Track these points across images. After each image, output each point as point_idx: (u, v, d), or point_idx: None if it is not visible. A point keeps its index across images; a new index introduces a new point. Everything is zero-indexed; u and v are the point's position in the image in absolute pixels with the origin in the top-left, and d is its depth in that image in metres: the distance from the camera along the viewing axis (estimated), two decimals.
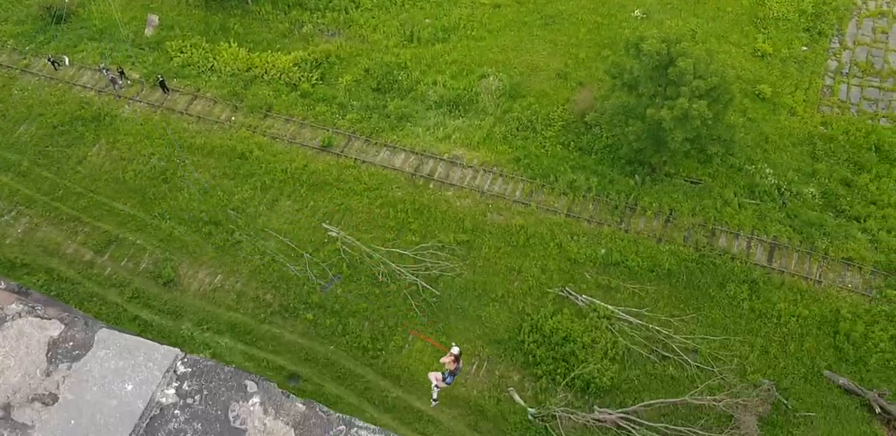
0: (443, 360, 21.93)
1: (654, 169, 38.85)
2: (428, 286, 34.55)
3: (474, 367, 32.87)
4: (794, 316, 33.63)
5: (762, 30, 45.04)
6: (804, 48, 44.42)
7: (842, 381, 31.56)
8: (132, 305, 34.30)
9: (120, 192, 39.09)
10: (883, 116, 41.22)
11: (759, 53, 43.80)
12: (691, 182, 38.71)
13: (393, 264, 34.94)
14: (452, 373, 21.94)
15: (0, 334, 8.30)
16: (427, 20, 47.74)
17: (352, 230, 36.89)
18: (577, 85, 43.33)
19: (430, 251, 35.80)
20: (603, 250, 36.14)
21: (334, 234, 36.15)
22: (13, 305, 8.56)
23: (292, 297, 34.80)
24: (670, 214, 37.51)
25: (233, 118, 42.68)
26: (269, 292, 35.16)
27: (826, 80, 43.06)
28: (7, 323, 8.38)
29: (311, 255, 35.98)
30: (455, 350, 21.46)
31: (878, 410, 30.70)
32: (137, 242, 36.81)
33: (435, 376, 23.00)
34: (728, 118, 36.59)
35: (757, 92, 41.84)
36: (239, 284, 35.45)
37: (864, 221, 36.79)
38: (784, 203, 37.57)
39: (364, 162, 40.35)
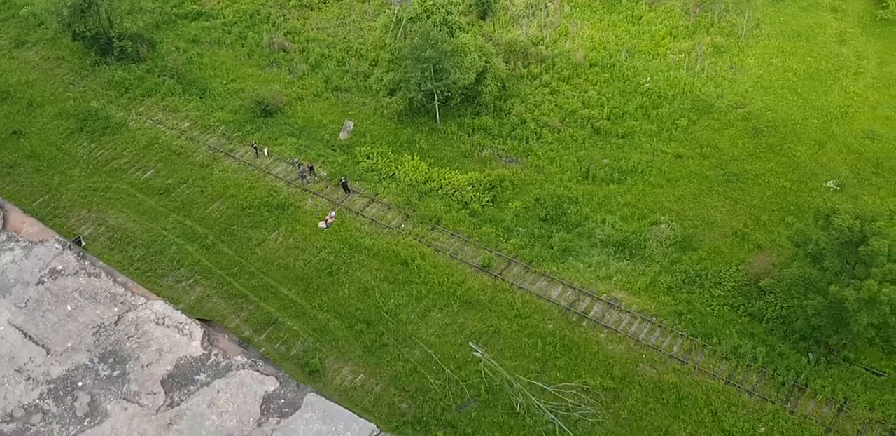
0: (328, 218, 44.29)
1: (830, 350, 36.45)
2: (566, 428, 33.33)
3: None
4: None
5: None
6: None
7: None
8: None
9: (288, 278, 41.48)
10: None
11: None
12: (873, 372, 35.97)
13: (533, 398, 33.97)
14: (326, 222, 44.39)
15: (224, 381, 8.72)
16: (605, 160, 49.04)
17: (496, 354, 36.54)
18: (754, 247, 42.46)
19: (574, 392, 34.75)
20: (763, 429, 33.80)
21: (479, 355, 35.90)
22: (239, 357, 8.97)
23: (427, 410, 34.75)
24: (844, 403, 34.77)
25: (403, 226, 44.38)
26: (406, 401, 35.22)
27: None
28: (232, 372, 8.82)
29: (452, 371, 35.89)
30: (330, 218, 44.99)
31: None
32: (294, 327, 38.43)
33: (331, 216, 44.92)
34: None
35: None
36: (378, 388, 35.80)
37: None
38: None
39: (520, 288, 40.66)
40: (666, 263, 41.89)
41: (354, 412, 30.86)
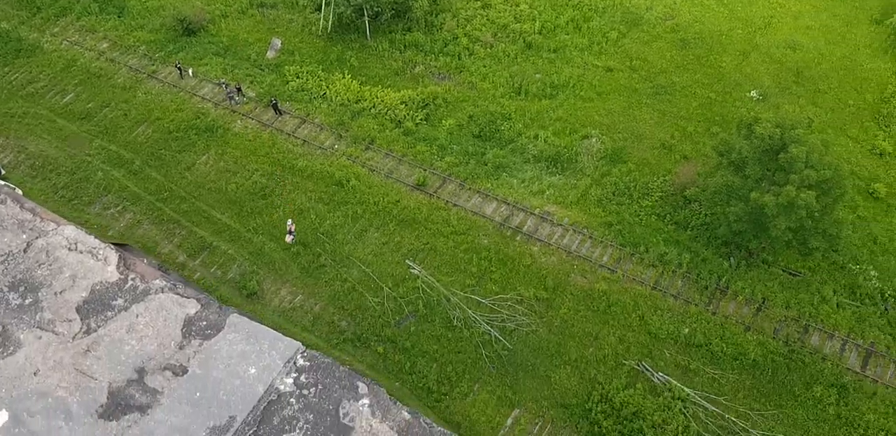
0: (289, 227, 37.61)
1: (751, 254, 37.73)
2: (501, 338, 33.97)
3: (537, 427, 31.93)
4: (883, 430, 31.67)
5: (884, 127, 43.93)
6: None
7: None
8: None
9: (220, 201, 40.33)
10: None
11: (878, 151, 42.63)
12: (789, 273, 37.40)
13: (469, 311, 34.52)
14: (290, 233, 37.62)
15: (143, 305, 8.39)
16: (537, 75, 48.35)
17: (433, 271, 36.77)
18: (680, 158, 42.89)
19: (509, 303, 35.35)
20: (686, 330, 35.01)
21: (416, 272, 36.05)
22: (158, 281, 8.63)
23: (366, 327, 34.82)
24: (763, 303, 36.20)
25: (336, 146, 43.51)
26: (345, 320, 35.26)
27: None
28: (151, 296, 8.47)
29: (390, 289, 36.01)
30: (291, 227, 37.79)
31: None
32: (229, 251, 37.70)
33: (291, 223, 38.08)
34: (836, 213, 35.50)
35: (871, 190, 40.56)
36: (317, 307, 35.69)
37: None
38: (886, 309, 35.83)
39: (455, 205, 40.50)
40: (596, 177, 42.23)
41: (279, 331, 31.11)
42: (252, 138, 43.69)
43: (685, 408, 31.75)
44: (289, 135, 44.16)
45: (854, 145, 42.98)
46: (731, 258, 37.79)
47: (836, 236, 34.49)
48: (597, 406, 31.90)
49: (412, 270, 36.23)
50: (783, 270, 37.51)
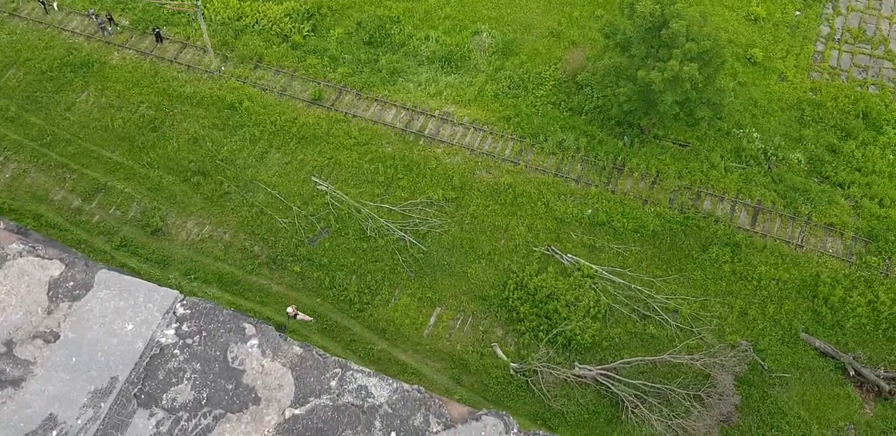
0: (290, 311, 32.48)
1: (642, 131, 38.50)
2: (416, 242, 34.30)
3: (459, 322, 32.94)
4: (774, 279, 33.80)
5: None
6: (797, 13, 43.76)
7: (818, 343, 31.97)
8: (120, 254, 33.87)
9: (108, 139, 38.02)
10: (872, 84, 40.82)
11: (753, 17, 43.04)
12: (679, 145, 38.43)
13: (381, 220, 34.67)
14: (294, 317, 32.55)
15: (1, 273, 8.11)
16: None
17: (340, 184, 36.45)
18: (569, 44, 42.46)
19: (419, 208, 35.52)
20: (589, 211, 36.00)
21: (323, 188, 35.70)
22: (14, 245, 8.34)
23: (280, 249, 34.38)
24: (657, 176, 37.31)
25: (222, 68, 41.65)
26: (258, 244, 34.73)
27: (818, 45, 42.54)
28: (8, 262, 8.18)
29: (299, 208, 35.48)
30: (290, 310, 32.39)
31: (852, 372, 30.83)
32: (125, 190, 35.99)
33: (292, 309, 32.69)
34: (718, 82, 36.06)
35: (748, 56, 41.28)
36: (227, 236, 34.95)
37: (848, 187, 36.70)
38: (770, 168, 37.48)
39: (354, 116, 39.56)
40: (490, 72, 41.48)
41: (191, 265, 30.55)
42: (132, 69, 40.94)
43: (595, 284, 33.20)
44: (171, 62, 41.62)
45: (730, 14, 43.18)
46: (625, 137, 38.52)
47: (719, 104, 35.09)
48: (513, 294, 32.82)
49: (319, 187, 35.80)
50: (673, 143, 38.46)
